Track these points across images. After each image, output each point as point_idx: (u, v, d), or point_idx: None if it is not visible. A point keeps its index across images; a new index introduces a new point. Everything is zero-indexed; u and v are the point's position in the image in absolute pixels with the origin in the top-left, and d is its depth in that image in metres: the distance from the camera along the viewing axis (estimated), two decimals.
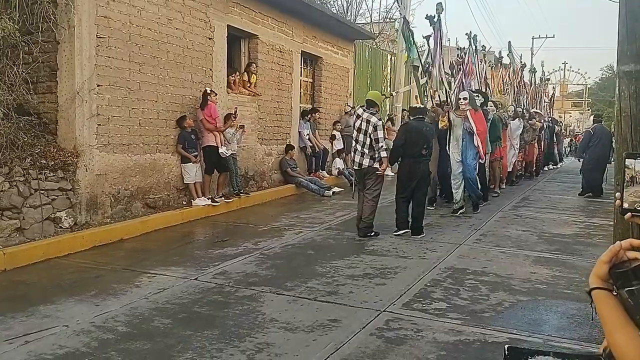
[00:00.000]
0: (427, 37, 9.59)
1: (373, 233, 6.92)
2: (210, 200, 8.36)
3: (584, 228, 7.63)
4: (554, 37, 49.77)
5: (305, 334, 3.74)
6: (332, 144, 12.83)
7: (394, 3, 23.47)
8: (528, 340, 3.66)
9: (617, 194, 1.35)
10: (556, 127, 20.30)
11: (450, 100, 9.25)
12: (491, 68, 13.66)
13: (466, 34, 11.00)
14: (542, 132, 15.82)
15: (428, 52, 9.74)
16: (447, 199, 9.24)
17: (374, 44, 18.32)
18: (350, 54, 14.26)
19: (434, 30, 9.57)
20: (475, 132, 8.40)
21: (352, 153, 7.15)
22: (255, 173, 10.25)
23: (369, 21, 23.04)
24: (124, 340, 3.62)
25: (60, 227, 6.26)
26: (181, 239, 6.90)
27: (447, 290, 4.74)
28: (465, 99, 8.49)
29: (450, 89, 9.98)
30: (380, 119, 7.04)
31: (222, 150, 8.46)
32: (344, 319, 4.01)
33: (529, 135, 13.64)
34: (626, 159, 1.36)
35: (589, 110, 51.91)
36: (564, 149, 25.06)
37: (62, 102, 6.53)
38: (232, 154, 8.77)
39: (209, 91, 8.33)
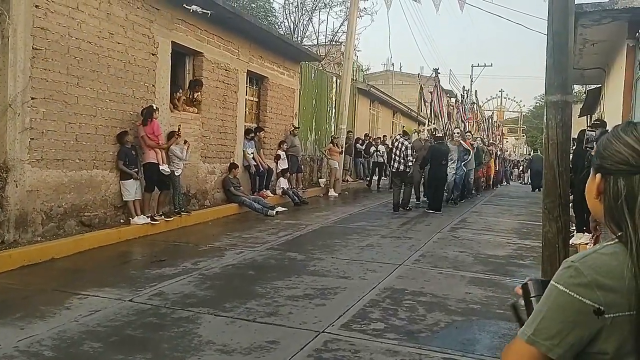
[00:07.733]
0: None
1: (409, 207, 11.86)
2: (149, 218, 8.15)
3: (517, 250, 7.93)
4: (491, 65, 52.02)
5: (242, 356, 3.68)
6: (276, 163, 12.83)
7: (340, 26, 24.01)
8: (462, 359, 3.75)
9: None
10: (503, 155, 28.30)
11: (445, 133, 15.56)
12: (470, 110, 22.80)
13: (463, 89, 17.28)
14: (496, 157, 22.52)
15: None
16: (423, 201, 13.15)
17: (320, 66, 18.56)
18: (297, 74, 14.39)
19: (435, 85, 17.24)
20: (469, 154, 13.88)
21: (393, 162, 11.90)
22: (197, 191, 10.09)
23: (316, 43, 23.36)
24: None
25: None
26: (117, 258, 6.68)
27: (385, 310, 4.80)
28: (458, 133, 14.04)
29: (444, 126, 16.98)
30: (410, 143, 11.88)
31: (163, 167, 8.30)
32: (282, 341, 3.97)
33: (487, 157, 18.98)
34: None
35: (524, 136, 54.35)
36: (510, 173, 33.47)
37: None
38: (173, 171, 8.61)
39: (154, 107, 8.17)
